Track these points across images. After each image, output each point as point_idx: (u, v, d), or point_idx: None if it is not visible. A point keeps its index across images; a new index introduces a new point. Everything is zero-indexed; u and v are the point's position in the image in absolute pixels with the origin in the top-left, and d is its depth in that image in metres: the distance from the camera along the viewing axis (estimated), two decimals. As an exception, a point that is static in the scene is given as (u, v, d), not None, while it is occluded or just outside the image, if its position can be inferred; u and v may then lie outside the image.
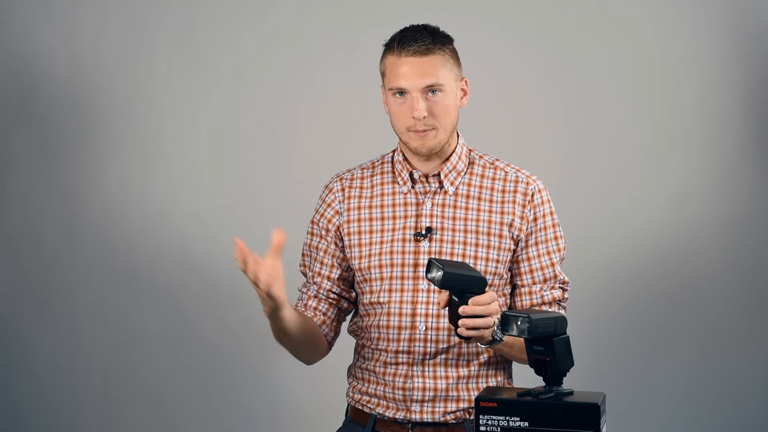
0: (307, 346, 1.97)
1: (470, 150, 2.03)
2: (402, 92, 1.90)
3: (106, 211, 3.23)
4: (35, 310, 3.26)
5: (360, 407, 2.01)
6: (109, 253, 3.23)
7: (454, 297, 1.73)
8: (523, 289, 1.98)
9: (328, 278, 2.02)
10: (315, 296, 2.02)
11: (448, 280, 1.70)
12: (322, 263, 2.02)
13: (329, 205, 2.03)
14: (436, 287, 1.79)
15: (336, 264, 2.02)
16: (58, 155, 3.25)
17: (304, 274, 2.07)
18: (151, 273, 3.22)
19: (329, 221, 2.02)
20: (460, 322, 1.72)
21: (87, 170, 3.24)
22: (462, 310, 1.71)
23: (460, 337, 1.75)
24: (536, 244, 1.98)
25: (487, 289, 1.75)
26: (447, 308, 1.76)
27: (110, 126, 3.24)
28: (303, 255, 2.07)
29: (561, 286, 1.99)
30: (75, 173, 3.24)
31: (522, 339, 1.82)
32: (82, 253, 3.24)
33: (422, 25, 1.94)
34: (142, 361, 3.23)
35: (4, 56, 3.24)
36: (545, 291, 1.96)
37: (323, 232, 2.02)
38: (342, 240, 2.01)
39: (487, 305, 1.72)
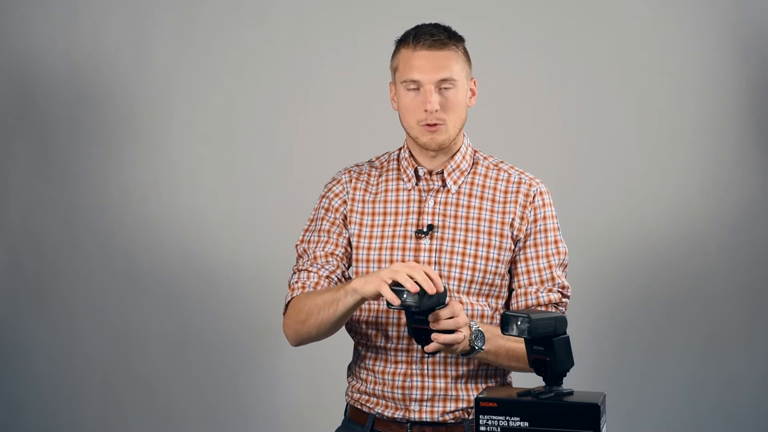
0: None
1: (475, 151, 2.04)
2: (415, 85, 1.90)
3: (106, 210, 3.23)
4: (35, 310, 3.26)
5: (359, 407, 2.01)
6: (109, 253, 3.23)
7: (417, 316, 1.74)
8: (519, 290, 1.97)
9: (337, 257, 1.99)
10: (327, 277, 1.97)
11: (426, 302, 1.70)
12: (336, 245, 1.99)
13: (336, 195, 2.02)
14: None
15: (344, 245, 2.00)
16: (58, 155, 3.25)
17: (303, 253, 2.01)
18: (151, 273, 3.22)
19: (336, 209, 2.01)
20: (435, 337, 1.74)
21: (87, 170, 3.24)
22: (434, 326, 1.73)
23: (428, 353, 1.77)
24: (534, 245, 1.97)
25: (447, 300, 1.75)
26: (407, 325, 1.78)
27: (110, 126, 3.24)
28: (306, 242, 2.02)
29: (560, 290, 1.97)
30: (75, 173, 3.24)
31: (507, 346, 1.85)
32: (82, 253, 3.23)
33: (436, 23, 1.96)
34: (142, 361, 3.23)
35: (4, 56, 3.23)
36: (541, 293, 1.95)
37: (332, 214, 2.01)
38: (346, 228, 2.00)
39: (456, 318, 1.74)
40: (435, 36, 1.90)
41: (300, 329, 1.94)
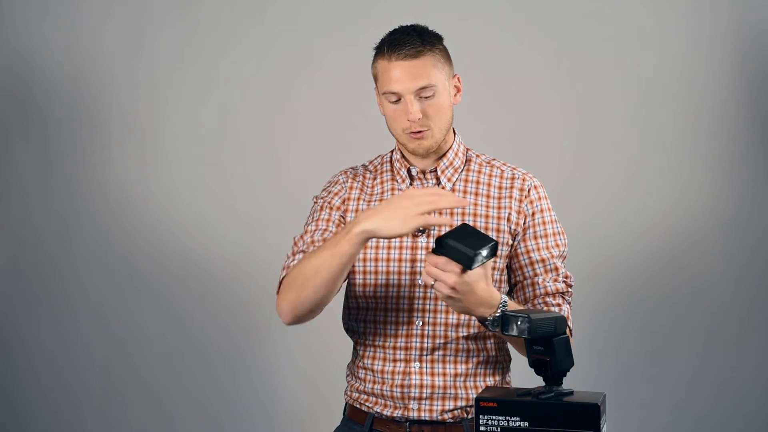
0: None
1: (467, 149, 2.04)
2: (395, 97, 1.90)
3: (106, 211, 3.24)
4: (35, 310, 3.26)
5: (358, 406, 2.00)
6: (109, 253, 3.23)
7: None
8: (525, 282, 1.97)
9: None
10: None
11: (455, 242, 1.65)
12: (335, 233, 1.93)
13: (336, 194, 2.02)
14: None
15: None
16: (58, 155, 3.25)
17: (299, 240, 1.97)
18: (151, 273, 3.23)
19: (336, 207, 2.00)
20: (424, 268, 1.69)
21: (87, 170, 3.24)
22: (426, 257, 1.68)
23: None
24: (535, 237, 1.97)
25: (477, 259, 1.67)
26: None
27: (110, 126, 3.24)
28: (303, 232, 1.99)
29: (564, 280, 1.98)
30: (75, 173, 3.24)
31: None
32: (82, 253, 3.24)
33: (411, 26, 1.94)
34: (142, 361, 3.23)
35: (4, 56, 3.24)
36: (548, 282, 1.95)
37: (328, 211, 1.99)
38: (344, 224, 1.99)
39: (434, 271, 1.66)
40: (408, 44, 1.88)
41: (297, 298, 1.83)
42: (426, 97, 1.89)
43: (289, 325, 1.90)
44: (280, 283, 1.91)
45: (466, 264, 1.65)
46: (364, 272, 1.96)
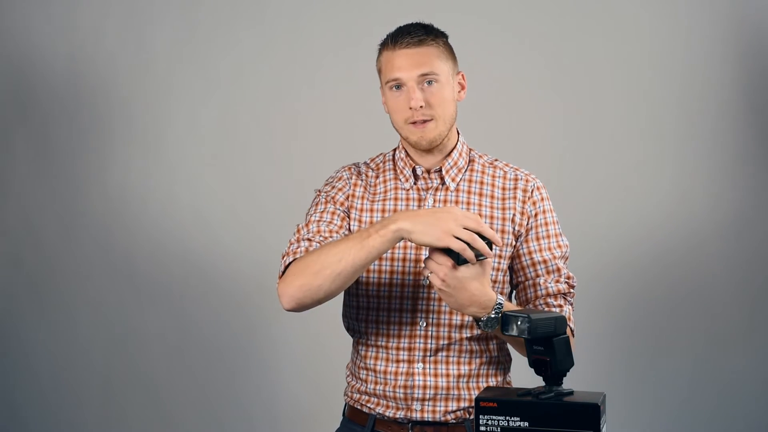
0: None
1: (470, 149, 2.04)
2: (398, 85, 1.90)
3: (106, 210, 3.24)
4: (35, 310, 3.26)
5: (359, 407, 2.00)
6: (109, 252, 3.23)
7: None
8: (527, 283, 1.97)
9: (341, 236, 1.93)
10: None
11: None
12: (340, 226, 1.95)
13: (340, 190, 2.01)
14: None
15: (346, 228, 1.97)
16: (58, 155, 3.25)
17: (303, 228, 1.94)
18: (151, 272, 3.22)
19: (340, 203, 1.99)
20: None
21: (87, 170, 3.24)
22: (429, 249, 1.73)
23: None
24: (537, 239, 1.97)
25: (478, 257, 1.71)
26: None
27: (110, 126, 3.24)
28: (308, 221, 1.96)
29: (566, 280, 1.98)
30: (75, 173, 3.24)
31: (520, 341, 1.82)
32: (82, 253, 3.24)
33: (415, 22, 1.96)
34: (142, 361, 3.23)
35: (4, 56, 3.24)
36: (550, 283, 1.96)
37: (332, 205, 1.98)
38: (348, 219, 1.99)
39: (434, 264, 1.70)
40: (413, 34, 1.90)
41: (310, 283, 1.77)
42: (428, 86, 1.90)
43: (289, 311, 1.83)
44: (286, 267, 1.86)
45: (455, 258, 1.69)
46: (368, 271, 1.96)
